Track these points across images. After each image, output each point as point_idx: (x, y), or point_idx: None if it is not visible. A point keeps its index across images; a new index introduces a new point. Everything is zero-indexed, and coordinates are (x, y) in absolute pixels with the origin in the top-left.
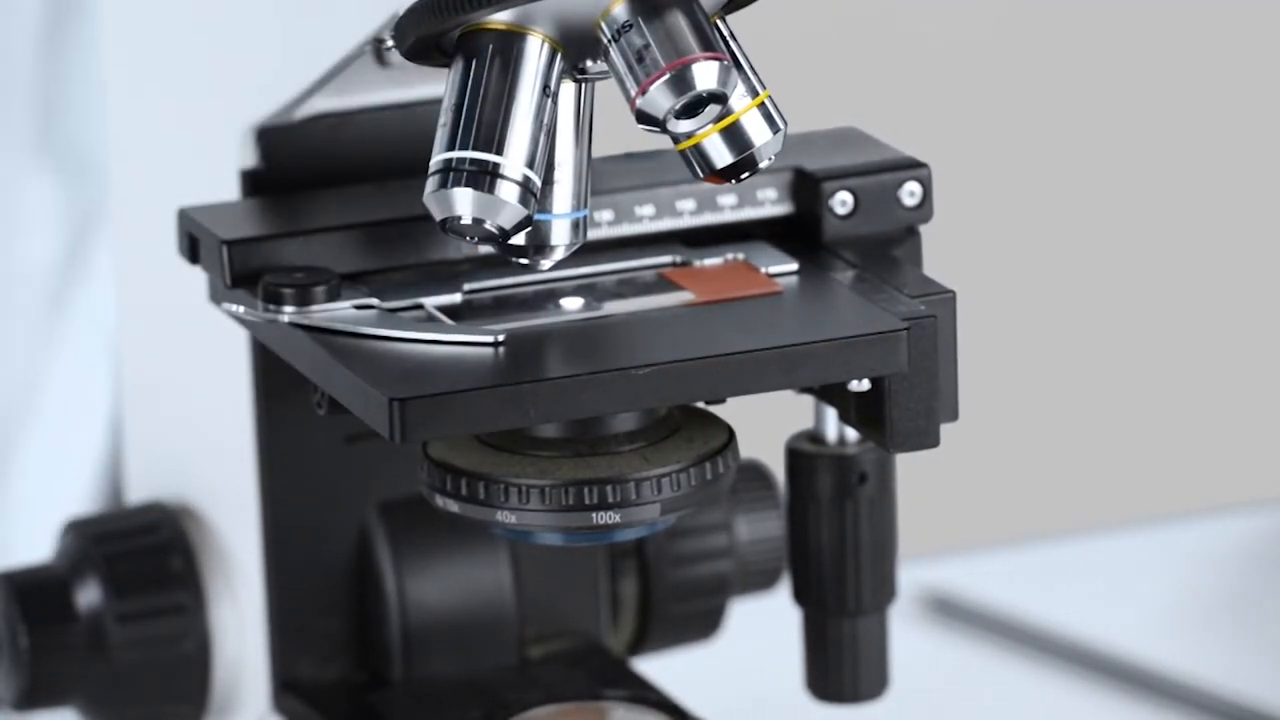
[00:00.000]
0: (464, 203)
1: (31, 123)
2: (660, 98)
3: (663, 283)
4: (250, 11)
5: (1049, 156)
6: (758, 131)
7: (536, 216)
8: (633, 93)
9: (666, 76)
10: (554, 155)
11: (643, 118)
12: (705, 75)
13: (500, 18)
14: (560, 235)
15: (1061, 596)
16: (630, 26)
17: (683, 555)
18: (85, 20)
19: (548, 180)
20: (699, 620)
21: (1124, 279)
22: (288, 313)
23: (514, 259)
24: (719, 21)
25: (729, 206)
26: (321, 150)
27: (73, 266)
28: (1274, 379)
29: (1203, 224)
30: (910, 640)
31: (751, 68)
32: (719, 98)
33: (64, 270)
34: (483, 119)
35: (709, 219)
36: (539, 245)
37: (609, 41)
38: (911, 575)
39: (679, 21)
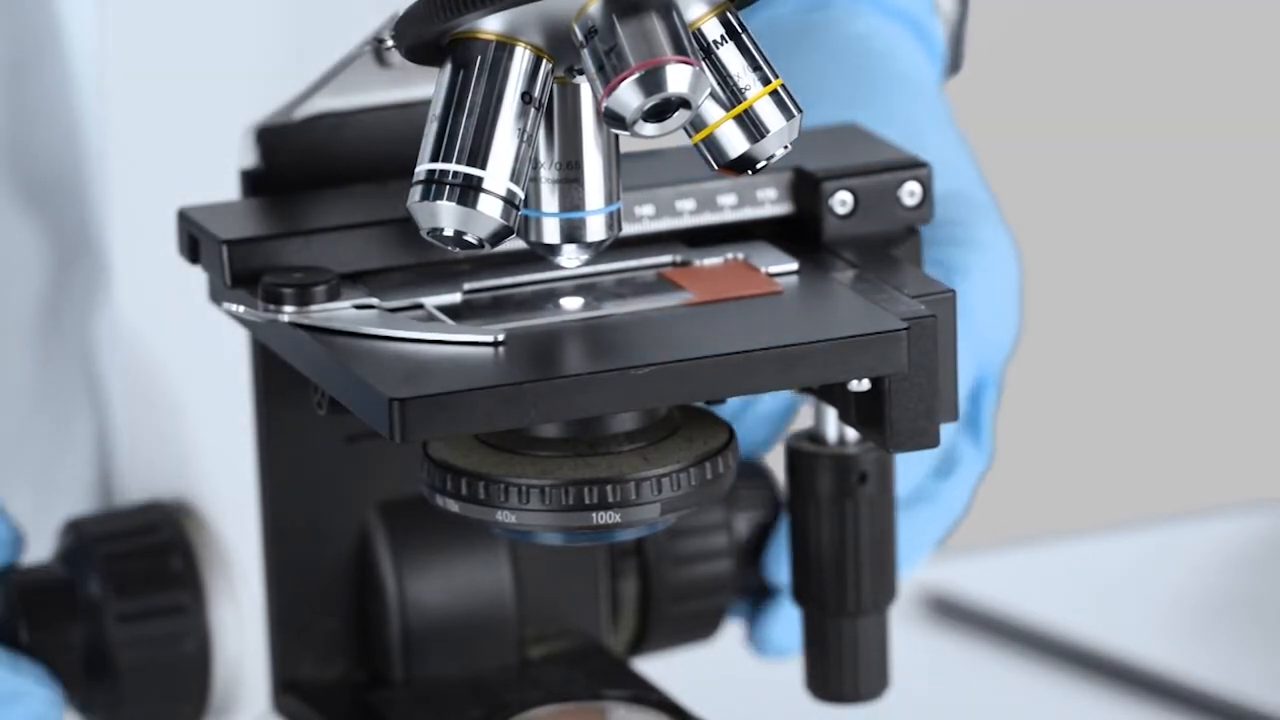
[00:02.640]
0: (446, 216)
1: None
2: (629, 96)
3: (662, 283)
4: (250, 11)
5: (1048, 159)
6: (771, 119)
7: (568, 214)
8: (602, 91)
9: (636, 75)
10: (579, 153)
11: (610, 117)
12: (677, 79)
13: (488, 26)
14: (595, 230)
15: (1061, 596)
16: (602, 26)
17: (683, 555)
18: (50, 55)
19: (575, 179)
20: (699, 620)
21: (1124, 281)
22: (288, 313)
23: (548, 256)
24: (730, 13)
25: (729, 206)
26: (321, 150)
27: (60, 295)
28: (1274, 380)
29: (1202, 227)
30: (910, 640)
31: (764, 57)
32: (688, 104)
33: (51, 301)
34: (466, 131)
35: (709, 219)
36: (574, 240)
37: (582, 41)
38: (912, 575)
39: (653, 23)
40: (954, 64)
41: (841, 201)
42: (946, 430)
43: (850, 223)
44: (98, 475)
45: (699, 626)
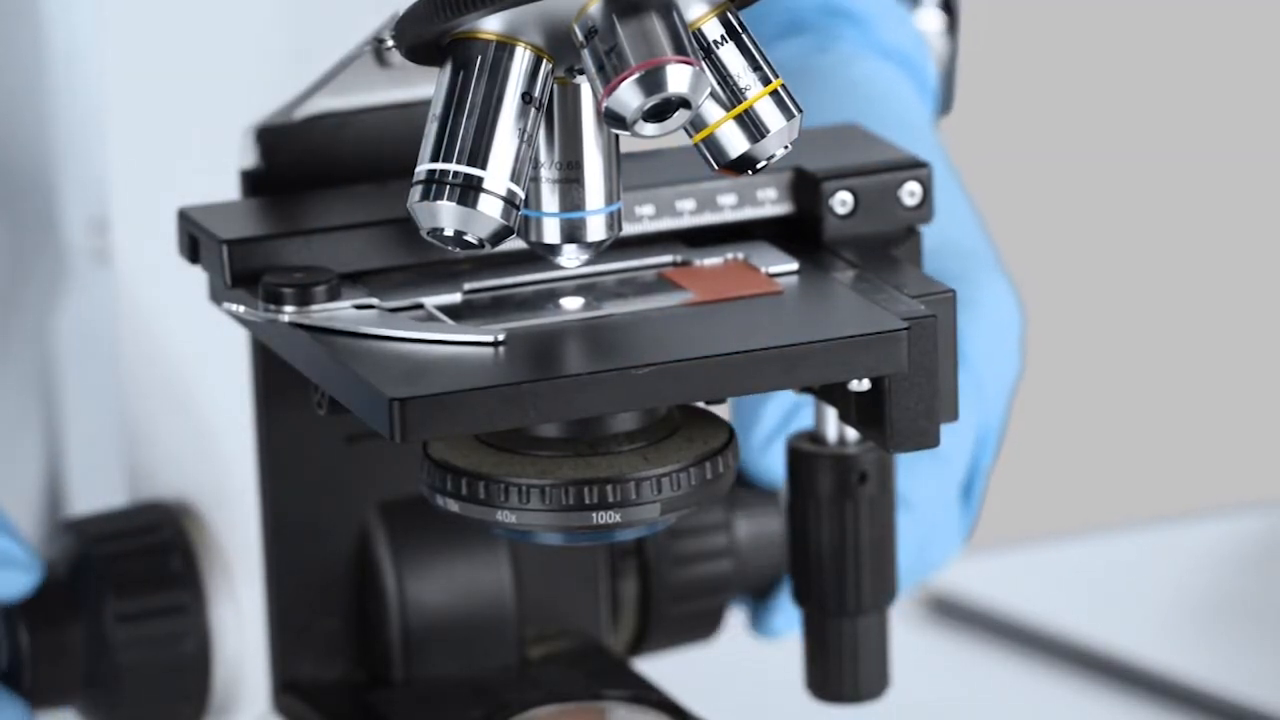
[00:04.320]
0: (446, 216)
1: None
2: (629, 96)
3: (663, 283)
4: (250, 11)
5: (1047, 159)
6: (771, 119)
7: (568, 214)
8: (602, 91)
9: (636, 75)
10: (579, 153)
11: (611, 117)
12: (677, 79)
13: (488, 26)
14: (595, 230)
15: (1061, 597)
16: (603, 26)
17: (683, 555)
18: (21, 48)
19: (575, 179)
20: (699, 620)
21: (1124, 282)
22: (288, 312)
23: (548, 256)
24: (730, 13)
25: (729, 206)
26: (321, 150)
27: (17, 291)
28: (1274, 380)
29: (1202, 227)
30: (910, 640)
31: (764, 56)
32: (688, 104)
33: (7, 296)
34: (466, 131)
35: (709, 219)
36: (574, 240)
37: (582, 41)
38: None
39: (653, 23)
40: (945, 104)
41: (842, 201)
42: (946, 493)
43: (850, 223)
44: (46, 475)
45: (699, 626)
